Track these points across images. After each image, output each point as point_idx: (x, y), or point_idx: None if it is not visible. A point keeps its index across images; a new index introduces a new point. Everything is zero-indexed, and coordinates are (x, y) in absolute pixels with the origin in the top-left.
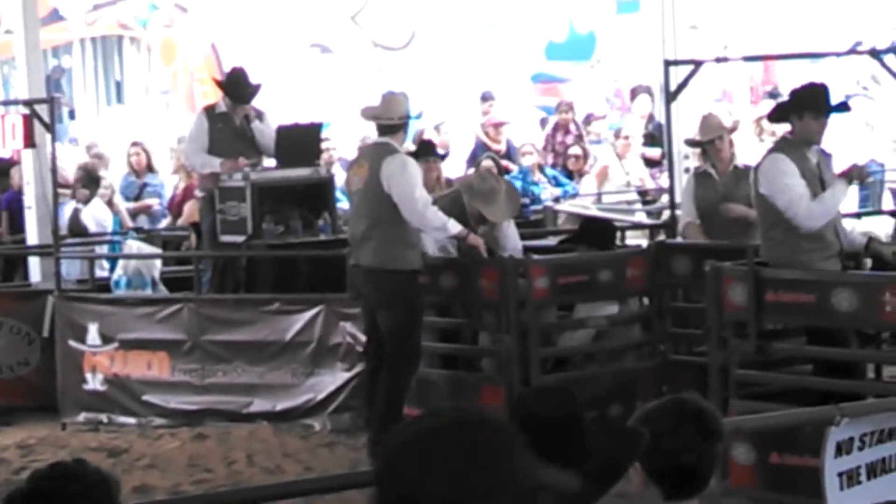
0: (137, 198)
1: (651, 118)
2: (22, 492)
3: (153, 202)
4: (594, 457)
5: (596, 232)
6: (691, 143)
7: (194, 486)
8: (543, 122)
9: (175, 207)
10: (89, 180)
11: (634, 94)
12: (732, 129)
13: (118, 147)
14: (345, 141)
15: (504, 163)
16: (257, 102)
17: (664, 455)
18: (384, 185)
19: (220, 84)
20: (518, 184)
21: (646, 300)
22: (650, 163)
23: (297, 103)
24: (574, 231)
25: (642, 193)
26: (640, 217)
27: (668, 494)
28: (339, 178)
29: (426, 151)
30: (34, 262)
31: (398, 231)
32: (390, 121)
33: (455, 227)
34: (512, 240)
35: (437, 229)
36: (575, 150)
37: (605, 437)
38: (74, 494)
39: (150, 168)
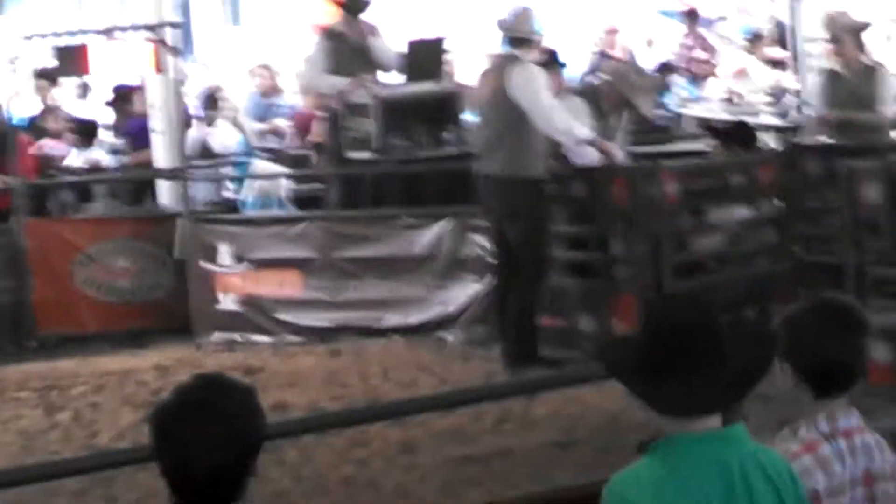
0: (263, 118)
1: (774, 21)
2: (173, 403)
3: (281, 123)
4: (733, 361)
5: (738, 133)
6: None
7: (331, 402)
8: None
9: (301, 126)
10: (210, 104)
11: None
12: (861, 28)
13: (240, 69)
14: (466, 55)
15: None
16: (376, 18)
17: (811, 354)
18: (512, 94)
19: (334, 1)
20: None
21: (778, 202)
22: (775, 64)
23: (420, 19)
24: (714, 130)
25: (772, 95)
26: (769, 119)
27: (818, 393)
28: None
29: (552, 61)
30: (163, 186)
31: (525, 140)
32: (520, 34)
33: (583, 131)
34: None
35: (566, 133)
36: (699, 53)
37: (743, 340)
38: (225, 401)
39: (276, 90)
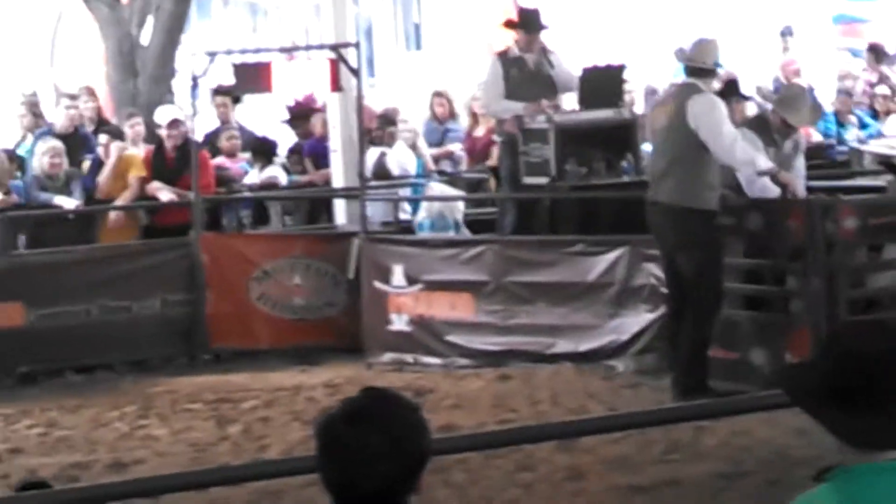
0: (440, 143)
1: None
2: (339, 414)
3: (455, 147)
4: None
5: None
6: None
7: (499, 426)
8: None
9: (474, 151)
10: (388, 126)
11: None
12: None
13: (419, 93)
14: (641, 83)
15: None
16: (554, 43)
17: None
18: (690, 123)
19: (511, 23)
20: (822, 125)
21: None
22: None
23: (594, 46)
24: (891, 165)
25: None
26: None
27: None
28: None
29: (732, 91)
30: (339, 205)
31: (700, 170)
32: (702, 64)
33: (765, 162)
34: (799, 170)
35: (746, 164)
36: (882, 89)
37: None
38: (392, 414)
39: (451, 115)
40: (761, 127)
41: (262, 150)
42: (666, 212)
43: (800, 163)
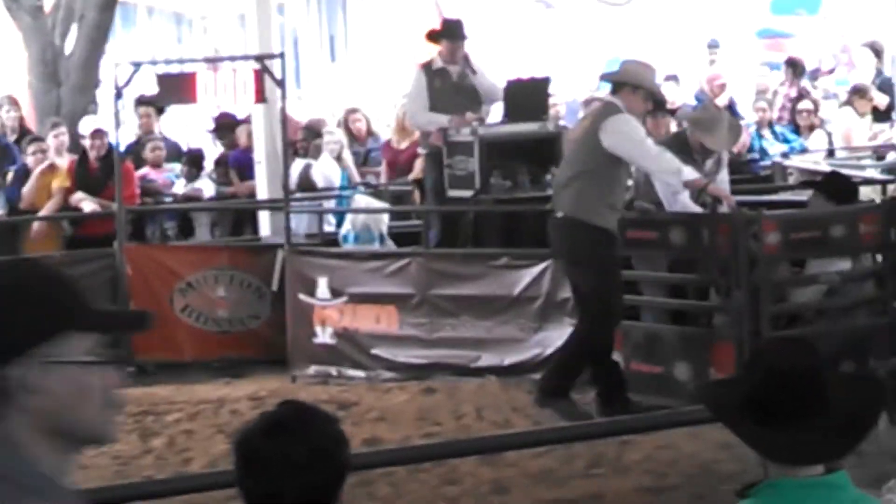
0: (364, 163)
1: (879, 73)
2: (257, 427)
3: (380, 169)
4: (838, 410)
5: (837, 185)
6: None
7: (424, 439)
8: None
9: (399, 164)
10: (313, 138)
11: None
12: None
13: (339, 105)
14: (565, 97)
15: None
16: (478, 55)
17: None
18: (604, 140)
19: (434, 33)
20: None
21: (879, 257)
22: (879, 116)
23: (519, 59)
24: (814, 182)
25: (876, 149)
26: (872, 173)
27: None
28: None
29: (657, 106)
30: (264, 217)
31: (602, 188)
32: (623, 80)
33: (691, 173)
34: (723, 185)
35: (673, 173)
36: (805, 104)
37: (848, 389)
38: (310, 426)
39: (370, 133)
40: (680, 146)
41: (194, 161)
42: (561, 224)
43: (723, 177)
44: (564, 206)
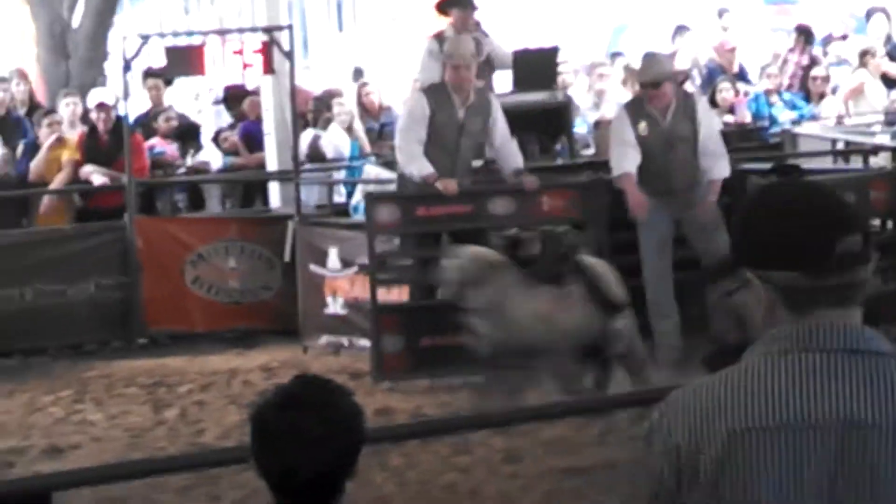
0: (379, 138)
1: (889, 39)
2: (273, 400)
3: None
4: None
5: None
6: None
7: (436, 409)
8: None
9: None
10: (324, 109)
11: (869, 14)
12: None
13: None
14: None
15: (739, 85)
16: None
17: None
18: None
19: (442, 5)
20: (753, 106)
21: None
22: (889, 83)
23: (526, 27)
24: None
25: (887, 114)
26: (883, 139)
27: None
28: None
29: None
30: (274, 188)
31: None
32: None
33: (422, 170)
34: (710, 128)
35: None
36: (819, 71)
37: None
38: (326, 400)
39: (381, 107)
40: (635, 106)
41: (187, 134)
42: None
43: (708, 122)
44: None
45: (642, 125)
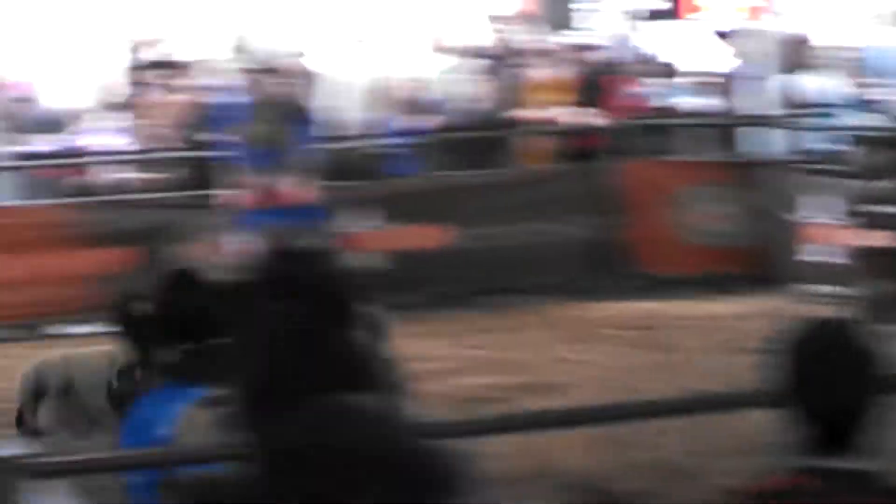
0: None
1: None
2: (809, 339)
3: None
4: None
5: None
6: None
7: None
8: None
9: None
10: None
11: None
12: None
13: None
14: None
15: None
16: None
17: None
18: None
19: None
20: None
21: None
22: None
23: None
24: None
25: None
26: None
27: None
28: None
29: None
30: (745, 133)
31: None
32: None
33: None
34: None
35: None
36: None
37: None
38: (856, 340)
39: None
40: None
41: (663, 73)
42: None
43: None
44: None
45: None
